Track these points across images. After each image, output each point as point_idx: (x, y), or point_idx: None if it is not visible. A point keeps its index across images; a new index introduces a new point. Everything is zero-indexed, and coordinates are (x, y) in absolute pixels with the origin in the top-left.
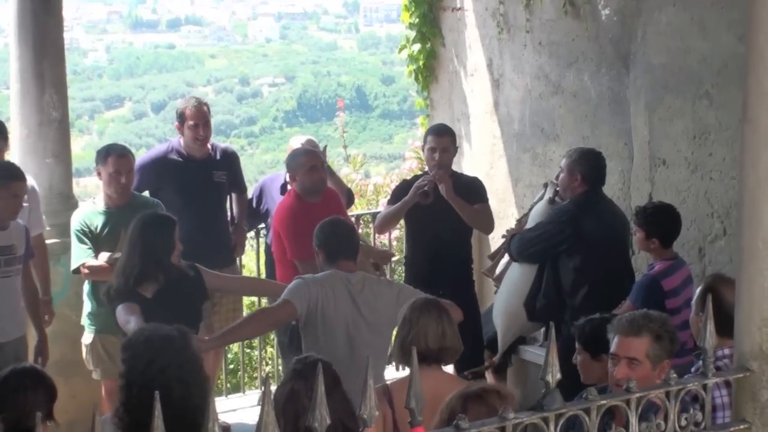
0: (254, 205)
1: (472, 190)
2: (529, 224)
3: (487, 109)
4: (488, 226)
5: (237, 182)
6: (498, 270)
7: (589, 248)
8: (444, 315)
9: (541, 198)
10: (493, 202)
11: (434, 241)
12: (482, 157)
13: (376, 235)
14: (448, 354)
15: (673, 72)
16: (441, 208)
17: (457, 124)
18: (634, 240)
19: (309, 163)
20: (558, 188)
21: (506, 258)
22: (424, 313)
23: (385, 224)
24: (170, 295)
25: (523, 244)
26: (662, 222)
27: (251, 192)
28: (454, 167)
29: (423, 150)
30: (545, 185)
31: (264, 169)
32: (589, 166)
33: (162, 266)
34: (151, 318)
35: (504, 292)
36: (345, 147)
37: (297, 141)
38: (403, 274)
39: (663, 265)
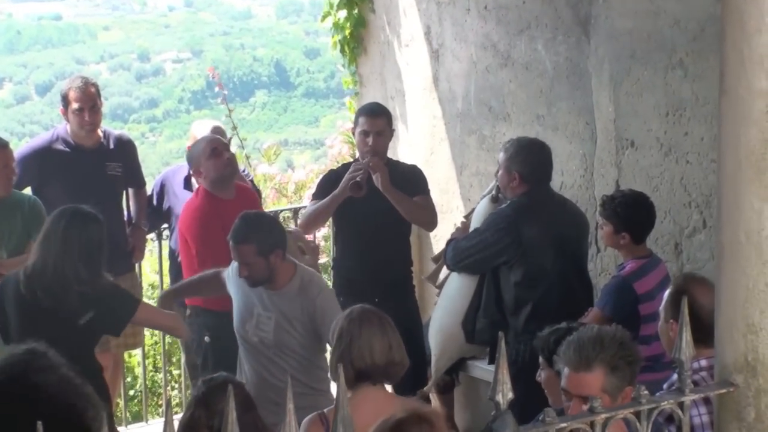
0: (155, 202)
1: (411, 180)
2: (473, 225)
3: (425, 86)
4: (430, 221)
5: (134, 175)
6: (441, 276)
7: (532, 260)
8: (388, 325)
9: (490, 192)
10: (434, 194)
11: (368, 240)
12: (421, 141)
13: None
14: (396, 369)
15: (642, 38)
16: (375, 202)
17: (391, 102)
18: (599, 236)
19: (210, 146)
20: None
21: None
22: (366, 324)
23: (311, 222)
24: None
25: (457, 253)
26: (633, 214)
27: (151, 187)
28: (389, 153)
29: (354, 134)
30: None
31: (169, 160)
32: (528, 162)
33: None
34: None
35: (440, 307)
36: (235, 129)
37: (200, 127)
38: (331, 279)
39: (635, 265)
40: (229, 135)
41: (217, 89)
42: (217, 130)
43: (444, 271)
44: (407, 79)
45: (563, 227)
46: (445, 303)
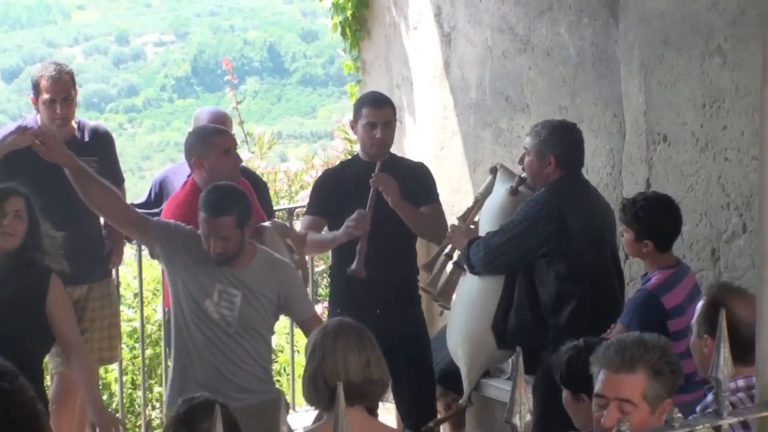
0: (153, 202)
1: (418, 183)
2: (483, 225)
3: (435, 73)
4: (441, 233)
5: (111, 171)
6: (441, 283)
7: (576, 250)
8: (367, 340)
9: (489, 189)
10: (444, 193)
11: (369, 246)
12: (430, 134)
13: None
14: (375, 389)
15: (676, 21)
16: (380, 209)
17: (397, 91)
18: (621, 242)
19: (223, 145)
20: (524, 175)
21: (450, 266)
22: (342, 338)
23: (309, 252)
24: None
25: (490, 251)
26: (656, 219)
27: (149, 185)
28: (393, 149)
29: (354, 127)
30: (493, 170)
31: (149, 154)
32: (563, 144)
33: None
34: None
35: (461, 312)
36: (241, 123)
37: (205, 115)
38: (328, 289)
39: (662, 276)
40: (238, 132)
41: (227, 78)
42: (222, 119)
43: (444, 277)
44: (415, 66)
45: (601, 216)
46: (468, 307)
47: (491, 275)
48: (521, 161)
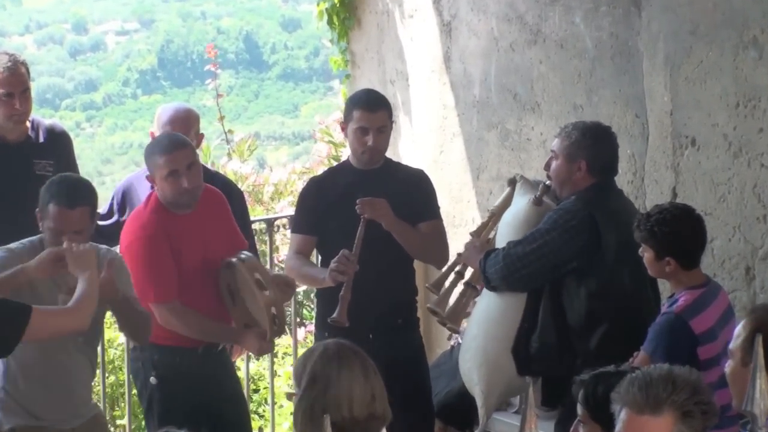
0: (115, 213)
1: (418, 196)
2: (503, 237)
3: (434, 67)
4: (442, 257)
5: None
6: (451, 304)
7: (609, 265)
8: (370, 368)
9: (507, 202)
10: (444, 203)
11: (361, 264)
12: (428, 136)
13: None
14: (377, 425)
15: (706, 10)
16: (373, 227)
17: (391, 88)
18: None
19: (167, 166)
20: (549, 182)
21: (461, 286)
22: (346, 365)
23: (297, 283)
24: None
25: (510, 263)
26: (675, 233)
27: (111, 193)
28: (390, 153)
29: (344, 129)
30: (511, 182)
31: (110, 157)
32: (596, 148)
33: None
34: None
35: (478, 334)
36: (222, 119)
37: (168, 115)
38: (314, 312)
39: (690, 297)
40: (218, 129)
41: (209, 68)
42: (183, 118)
43: (454, 296)
44: (411, 59)
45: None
46: (486, 328)
47: (511, 291)
48: (547, 166)
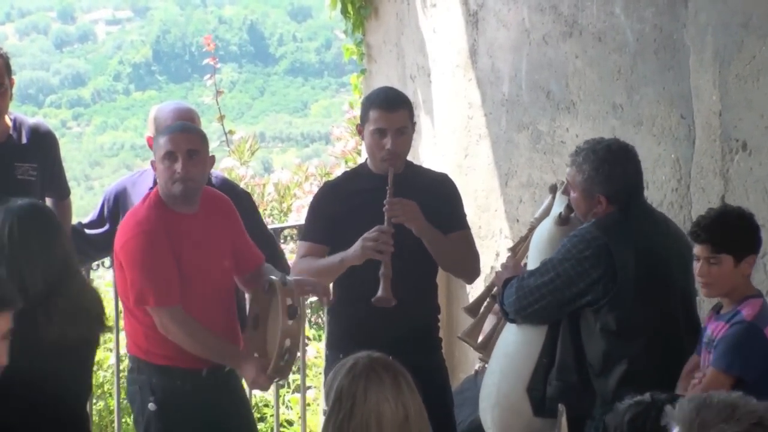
0: (106, 221)
1: (444, 204)
2: (530, 262)
3: (459, 62)
4: (474, 268)
5: (54, 181)
6: (486, 331)
7: (630, 299)
8: (404, 385)
9: (546, 213)
10: (469, 213)
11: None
12: (451, 138)
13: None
14: None
15: (759, 1)
16: (394, 237)
17: (411, 85)
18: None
19: (166, 147)
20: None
21: (495, 312)
22: (375, 382)
23: None
24: None
25: (523, 296)
26: (752, 230)
27: (100, 199)
28: (410, 156)
29: (361, 132)
30: (552, 189)
31: (99, 159)
32: (614, 179)
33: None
34: None
35: (495, 371)
36: (222, 119)
37: (166, 114)
38: (324, 328)
39: (756, 304)
40: (218, 129)
41: (207, 62)
42: (188, 116)
43: (488, 324)
44: (434, 53)
45: (669, 255)
46: (502, 364)
47: (530, 325)
48: (566, 192)
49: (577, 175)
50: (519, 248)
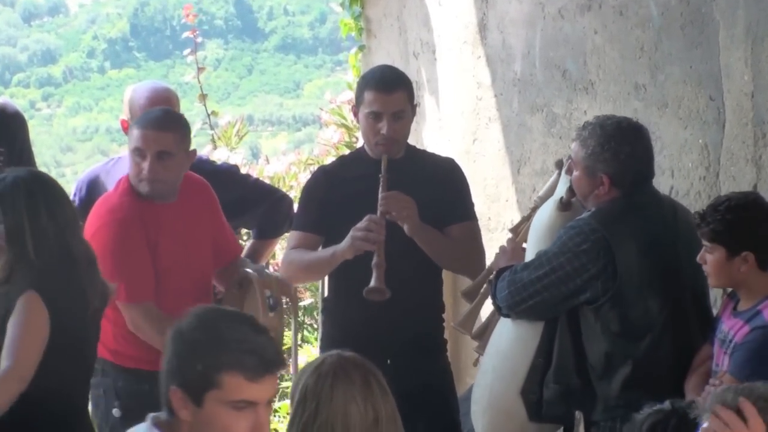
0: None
1: (448, 192)
2: (530, 247)
3: (467, 38)
4: (478, 265)
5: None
6: (481, 321)
7: (633, 297)
8: (375, 385)
9: (551, 190)
10: (477, 202)
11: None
12: (458, 121)
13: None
14: None
15: None
16: (391, 227)
17: (414, 62)
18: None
19: (135, 142)
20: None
21: (490, 303)
22: (341, 380)
23: (301, 278)
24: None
25: (515, 291)
26: (755, 221)
27: (73, 187)
28: (412, 141)
29: (356, 114)
30: (559, 164)
31: (71, 144)
32: (618, 160)
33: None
34: None
35: (487, 370)
36: (204, 98)
37: (141, 95)
38: (319, 329)
39: None
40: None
41: (187, 35)
42: (164, 98)
43: (484, 313)
44: (439, 28)
45: (676, 244)
46: (495, 363)
47: (525, 320)
48: (569, 171)
49: (581, 150)
50: (521, 229)
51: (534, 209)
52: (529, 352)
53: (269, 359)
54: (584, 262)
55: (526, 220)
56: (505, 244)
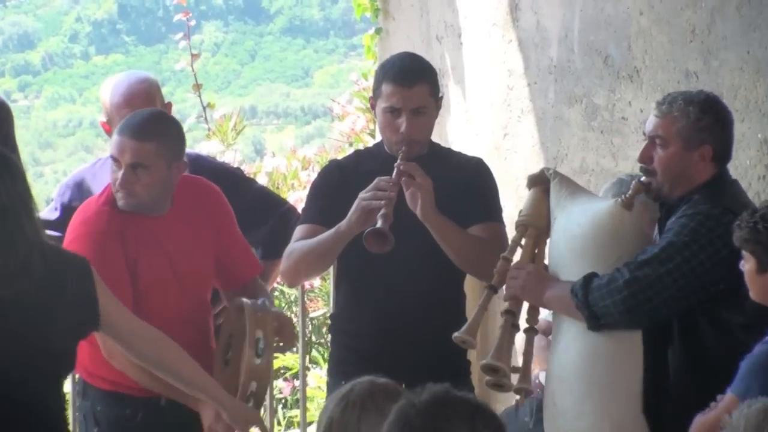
0: (59, 216)
1: (474, 192)
2: (574, 255)
3: (497, 20)
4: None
5: None
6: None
7: None
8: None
9: (539, 206)
10: (507, 205)
11: (392, 287)
12: (487, 114)
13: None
14: None
15: None
16: (407, 225)
17: (438, 47)
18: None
19: (112, 149)
20: (647, 178)
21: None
22: (369, 410)
23: (302, 269)
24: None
25: (638, 290)
26: (761, 239)
27: (56, 192)
28: (435, 136)
29: (374, 107)
30: (536, 179)
31: (51, 139)
32: (722, 126)
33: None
34: None
35: (584, 395)
36: (199, 88)
37: (119, 87)
38: (327, 347)
39: None
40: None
41: (180, 17)
42: (142, 93)
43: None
44: (466, 8)
45: None
46: (599, 384)
47: (630, 328)
48: (648, 158)
49: (678, 121)
50: (515, 252)
51: (523, 227)
52: (638, 365)
53: None
54: (719, 247)
55: (517, 241)
56: (512, 270)
